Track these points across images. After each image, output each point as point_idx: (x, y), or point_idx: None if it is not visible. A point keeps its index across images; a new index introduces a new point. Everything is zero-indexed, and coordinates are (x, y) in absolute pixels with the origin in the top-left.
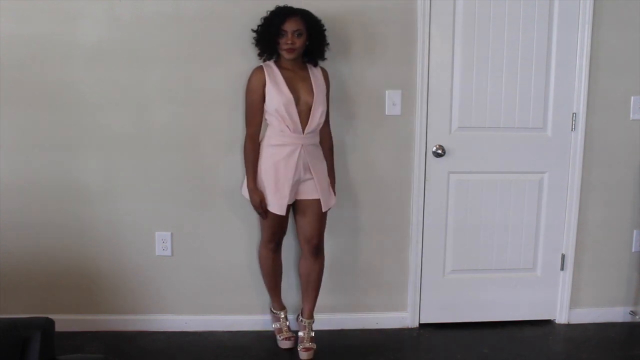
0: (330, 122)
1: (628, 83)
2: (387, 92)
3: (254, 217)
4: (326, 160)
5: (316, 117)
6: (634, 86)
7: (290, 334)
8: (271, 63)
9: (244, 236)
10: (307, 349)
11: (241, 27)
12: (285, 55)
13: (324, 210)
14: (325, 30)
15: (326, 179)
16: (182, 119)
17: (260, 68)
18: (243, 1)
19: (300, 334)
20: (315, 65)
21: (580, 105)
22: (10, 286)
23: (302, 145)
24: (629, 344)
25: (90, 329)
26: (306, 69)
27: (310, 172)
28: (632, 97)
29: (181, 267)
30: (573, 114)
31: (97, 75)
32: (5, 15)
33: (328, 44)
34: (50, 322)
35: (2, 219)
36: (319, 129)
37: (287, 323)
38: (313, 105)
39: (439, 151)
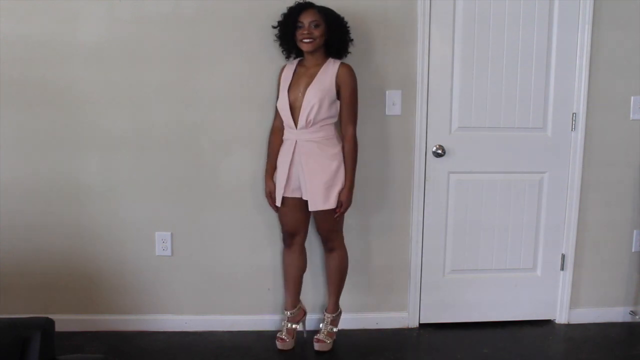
0: None
1: (628, 83)
2: (387, 92)
3: (254, 216)
4: (345, 162)
5: (305, 112)
6: (634, 86)
7: (286, 336)
8: (295, 61)
9: (244, 236)
10: (317, 341)
11: (241, 27)
12: (304, 47)
13: (310, 209)
14: (348, 26)
15: (323, 179)
16: (182, 119)
17: (284, 66)
18: (243, 1)
19: (320, 325)
20: (340, 58)
21: (580, 105)
22: (10, 286)
23: (297, 140)
24: (629, 344)
25: (90, 329)
26: (321, 65)
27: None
28: (632, 97)
29: (181, 267)
30: (573, 114)
31: (97, 75)
32: (5, 15)
33: (352, 39)
34: (50, 322)
35: (2, 219)
36: (317, 125)
37: (290, 324)
38: (304, 100)
39: (439, 151)
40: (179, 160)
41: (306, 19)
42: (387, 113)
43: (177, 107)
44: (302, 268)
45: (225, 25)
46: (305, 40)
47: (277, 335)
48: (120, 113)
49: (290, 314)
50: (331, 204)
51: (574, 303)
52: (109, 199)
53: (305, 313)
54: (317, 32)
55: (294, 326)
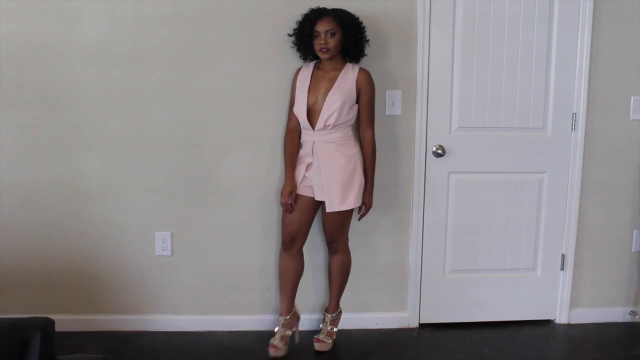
0: None
1: (628, 83)
2: (387, 92)
3: (254, 216)
4: (365, 165)
5: (324, 116)
6: (634, 86)
7: (279, 343)
8: (311, 64)
9: (244, 236)
10: (317, 341)
11: (241, 27)
12: (320, 55)
13: (327, 210)
14: (363, 27)
15: (340, 180)
16: (182, 119)
17: (300, 68)
18: (242, 2)
19: (320, 325)
20: (357, 62)
21: (580, 105)
22: (10, 286)
23: (314, 142)
24: (629, 344)
25: (90, 329)
26: (341, 69)
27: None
28: (632, 97)
29: (181, 267)
30: (573, 114)
31: (97, 75)
32: (5, 15)
33: (368, 40)
34: (50, 322)
35: (2, 218)
36: (333, 126)
37: (284, 330)
38: (324, 103)
39: (439, 151)
40: (179, 160)
41: (322, 28)
42: (387, 113)
43: (177, 107)
44: (300, 272)
45: (225, 26)
46: (323, 50)
47: (270, 341)
48: (120, 113)
49: (285, 320)
50: (349, 204)
51: (574, 303)
52: (109, 198)
53: (298, 319)
54: (333, 42)
55: (287, 332)
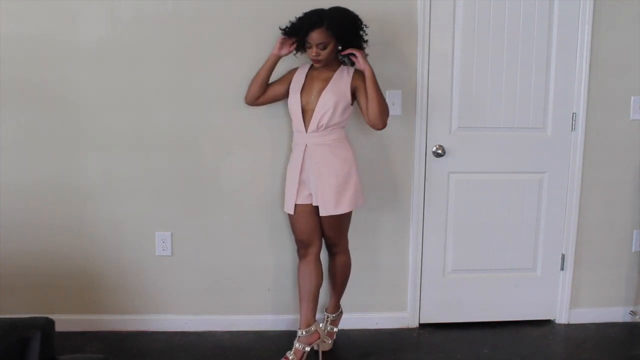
0: None
1: (628, 83)
2: (387, 92)
3: (254, 216)
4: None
5: (317, 116)
6: (634, 86)
7: (292, 358)
8: (307, 65)
9: (245, 236)
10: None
11: (241, 27)
12: (314, 64)
13: (321, 214)
14: (363, 26)
15: (334, 183)
16: (182, 119)
17: (297, 68)
18: (243, 2)
19: (320, 325)
20: (352, 65)
21: (580, 105)
22: (10, 286)
23: (307, 145)
24: (629, 344)
25: (90, 329)
26: (335, 70)
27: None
28: (632, 97)
29: (181, 267)
30: (573, 114)
31: (97, 75)
32: (5, 15)
33: (367, 40)
34: (50, 322)
35: (2, 219)
36: (328, 128)
37: (300, 345)
38: (318, 103)
39: (439, 151)
40: (179, 160)
41: (314, 41)
42: None
43: (177, 107)
44: (317, 282)
45: (225, 26)
46: (315, 61)
47: (286, 355)
48: (120, 113)
49: (303, 333)
50: (343, 208)
51: (574, 303)
52: (109, 198)
53: (319, 337)
54: (324, 54)
55: (305, 349)
